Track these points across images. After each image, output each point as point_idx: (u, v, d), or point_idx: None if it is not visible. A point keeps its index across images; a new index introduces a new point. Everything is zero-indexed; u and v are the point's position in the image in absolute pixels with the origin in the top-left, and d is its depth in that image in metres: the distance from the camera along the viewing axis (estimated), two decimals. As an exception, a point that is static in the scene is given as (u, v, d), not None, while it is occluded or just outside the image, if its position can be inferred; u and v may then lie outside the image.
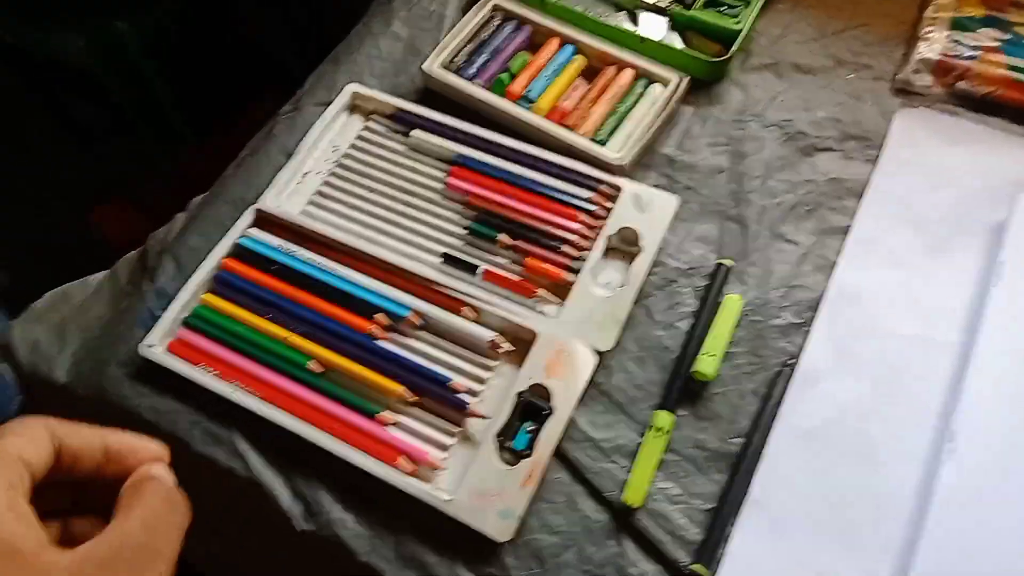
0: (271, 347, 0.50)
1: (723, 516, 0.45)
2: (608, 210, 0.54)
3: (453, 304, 0.51)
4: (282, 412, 0.47)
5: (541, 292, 0.51)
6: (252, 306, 0.52)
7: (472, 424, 0.48)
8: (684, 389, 0.49)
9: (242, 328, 0.51)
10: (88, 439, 0.25)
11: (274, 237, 0.54)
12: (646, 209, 0.54)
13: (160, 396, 0.50)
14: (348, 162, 0.58)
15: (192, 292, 0.52)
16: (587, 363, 0.48)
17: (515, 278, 0.52)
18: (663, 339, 0.51)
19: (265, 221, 0.55)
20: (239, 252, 0.54)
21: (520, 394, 0.47)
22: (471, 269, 0.53)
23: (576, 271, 0.52)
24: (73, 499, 0.25)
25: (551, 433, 0.46)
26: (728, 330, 0.50)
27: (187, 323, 0.51)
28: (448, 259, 0.53)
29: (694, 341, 0.50)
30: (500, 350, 0.49)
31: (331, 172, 0.58)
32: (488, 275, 0.52)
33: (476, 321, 0.51)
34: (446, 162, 0.57)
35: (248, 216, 0.55)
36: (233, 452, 0.48)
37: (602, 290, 0.51)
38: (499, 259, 0.54)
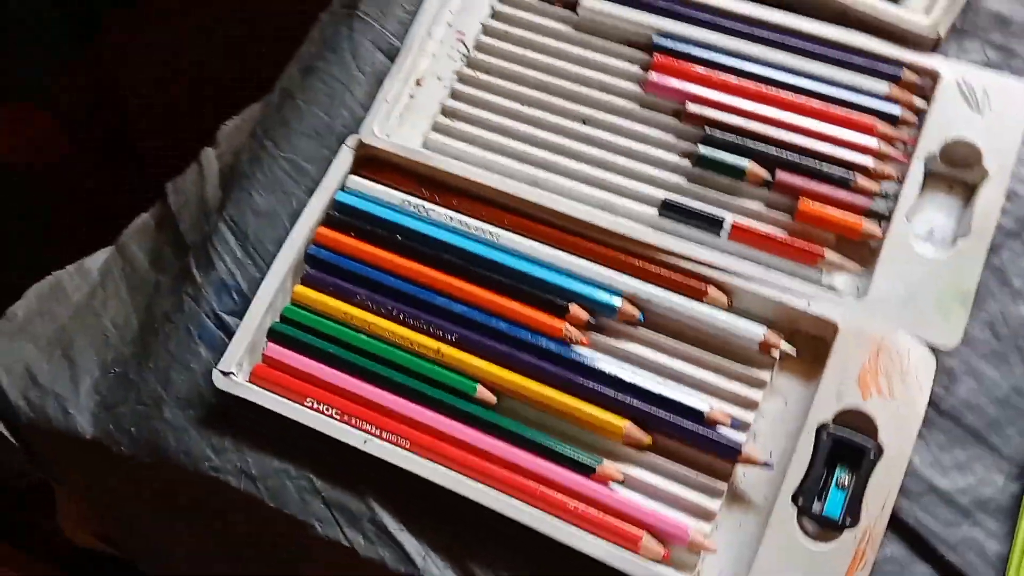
0: (413, 366, 0.43)
1: None
2: (920, 112, 0.46)
3: (689, 283, 0.44)
4: (446, 470, 0.41)
5: (830, 255, 0.43)
6: (371, 300, 0.45)
7: (745, 477, 0.41)
8: (1079, 401, 0.41)
9: (362, 338, 0.44)
10: None
11: (390, 187, 0.47)
12: (984, 106, 0.45)
13: (252, 451, 0.44)
14: (483, 57, 0.50)
15: (278, 283, 0.45)
16: (925, 369, 0.41)
17: (783, 235, 0.44)
18: (1032, 319, 0.43)
19: (374, 162, 0.48)
20: (340, 215, 0.47)
21: (823, 427, 0.40)
22: (712, 223, 0.45)
23: (884, 217, 0.44)
24: None
25: (883, 486, 0.39)
26: None
27: (274, 333, 0.45)
28: (671, 208, 0.45)
29: (1086, 321, 0.42)
30: (776, 354, 0.42)
31: (458, 76, 0.50)
32: (739, 231, 0.44)
33: (729, 309, 0.43)
34: (642, 48, 0.49)
35: (346, 156, 0.48)
36: (380, 535, 0.42)
37: (928, 245, 0.43)
38: (750, 203, 0.46)
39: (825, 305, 0.42)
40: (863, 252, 0.44)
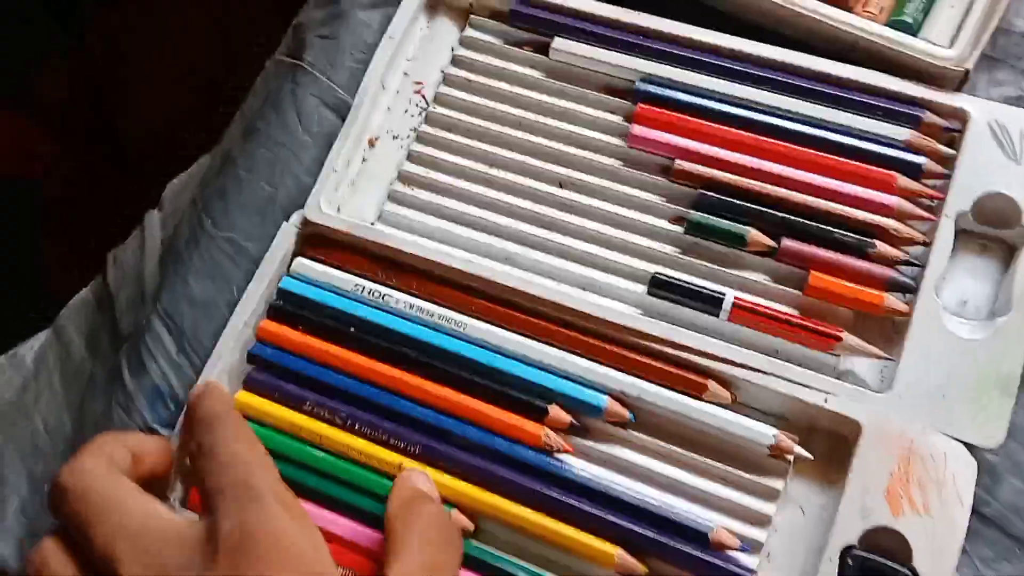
0: (373, 486, 0.38)
1: None
2: (945, 161, 0.40)
3: (686, 377, 0.38)
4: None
5: (849, 339, 0.37)
6: (323, 406, 0.39)
7: (759, 607, 0.36)
8: None
9: (312, 454, 0.39)
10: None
11: (342, 270, 0.42)
12: (1022, 151, 0.39)
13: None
14: (443, 112, 0.44)
15: (214, 391, 0.40)
16: (966, 476, 0.35)
17: (792, 313, 0.39)
18: (1086, 404, 0.37)
19: (323, 241, 0.42)
20: (285, 305, 0.41)
21: (848, 551, 0.35)
22: (710, 302, 0.39)
23: (910, 289, 0.38)
24: None
25: (921, 623, 0.33)
26: None
27: (214, 449, 0.39)
28: (661, 285, 0.40)
29: None
30: (790, 459, 0.36)
31: (417, 134, 0.44)
32: (740, 312, 0.39)
33: (732, 406, 0.38)
34: (624, 96, 0.43)
35: (289, 236, 0.42)
36: None
37: (962, 321, 0.38)
38: (752, 276, 0.40)
39: (845, 401, 0.36)
40: (886, 331, 0.38)
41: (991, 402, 0.36)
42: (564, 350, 0.39)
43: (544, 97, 0.44)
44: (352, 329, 0.40)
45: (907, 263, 0.39)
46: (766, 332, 0.38)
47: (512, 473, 0.37)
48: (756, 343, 0.38)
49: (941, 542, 0.34)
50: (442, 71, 0.45)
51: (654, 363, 0.38)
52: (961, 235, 0.39)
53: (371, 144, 0.44)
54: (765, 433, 0.37)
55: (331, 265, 0.42)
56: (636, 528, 0.36)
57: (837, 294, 0.38)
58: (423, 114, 0.45)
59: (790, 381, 0.37)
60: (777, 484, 0.37)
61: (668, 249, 0.41)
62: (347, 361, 0.40)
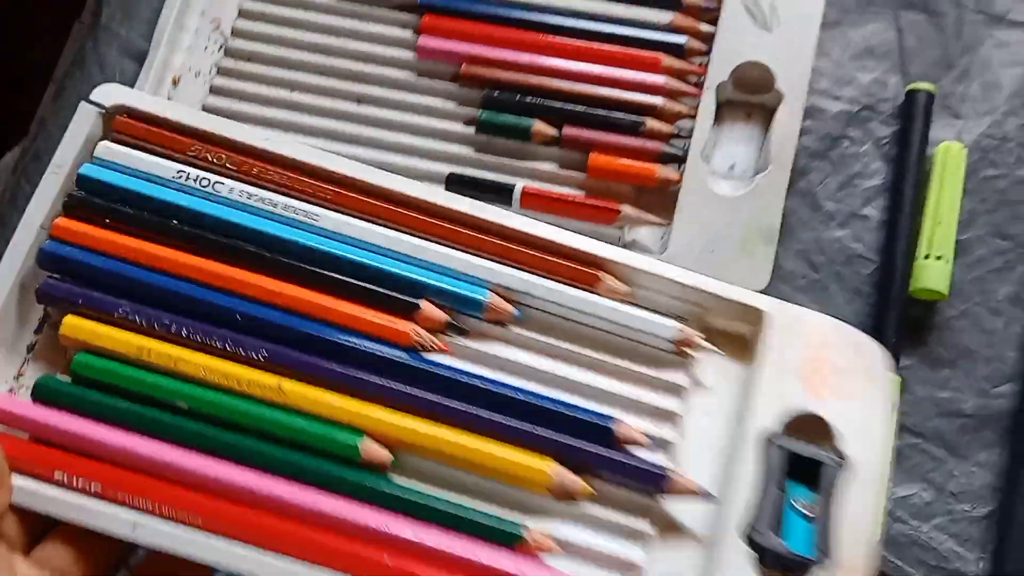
0: (202, 406, 0.32)
1: (1014, 519, 0.38)
2: (708, 38, 0.44)
3: (574, 270, 0.34)
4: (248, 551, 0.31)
5: (627, 210, 0.42)
6: (141, 315, 0.33)
7: (677, 509, 0.32)
8: (901, 323, 0.40)
9: (153, 381, 0.33)
10: None
11: (162, 154, 0.35)
12: (772, 21, 0.43)
13: None
14: (242, 44, 0.48)
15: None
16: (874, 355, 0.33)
17: (577, 194, 0.43)
18: (844, 242, 0.43)
19: (133, 120, 0.35)
20: (88, 197, 0.34)
21: (774, 440, 0.32)
22: (501, 193, 0.43)
23: (679, 158, 0.42)
24: None
25: (857, 507, 0.30)
26: (953, 204, 0.41)
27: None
28: (456, 182, 0.44)
29: (900, 237, 0.41)
30: (691, 352, 0.33)
31: (218, 68, 0.47)
32: (530, 198, 0.43)
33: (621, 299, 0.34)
34: (412, 11, 0.47)
35: (88, 117, 0.35)
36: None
37: (729, 183, 0.42)
38: (542, 165, 0.44)
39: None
40: (667, 201, 0.43)
41: (756, 251, 0.41)
42: (433, 238, 0.34)
43: (336, 20, 0.47)
44: (173, 222, 0.34)
45: (677, 136, 0.43)
46: (556, 214, 0.43)
47: (378, 377, 0.32)
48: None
49: (864, 422, 0.31)
50: (238, 6, 0.48)
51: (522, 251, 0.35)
52: (727, 105, 0.44)
53: (175, 83, 0.47)
54: (664, 327, 0.33)
55: (148, 147, 0.35)
56: (533, 431, 0.32)
57: (616, 171, 0.43)
58: (222, 49, 0.47)
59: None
60: (680, 380, 0.33)
61: (462, 150, 0.45)
62: (166, 259, 0.33)
